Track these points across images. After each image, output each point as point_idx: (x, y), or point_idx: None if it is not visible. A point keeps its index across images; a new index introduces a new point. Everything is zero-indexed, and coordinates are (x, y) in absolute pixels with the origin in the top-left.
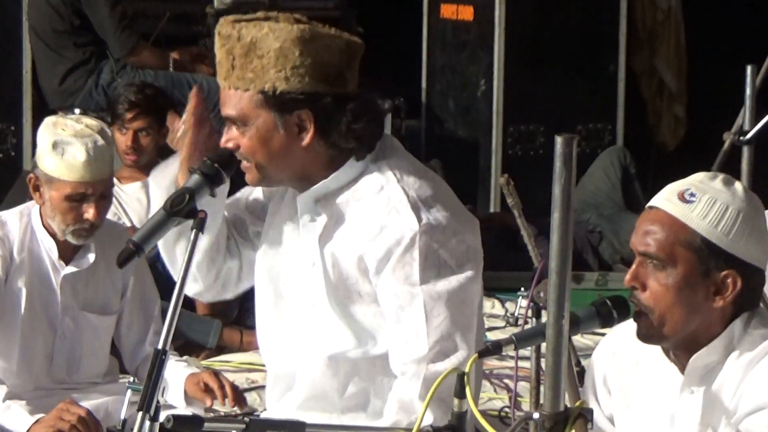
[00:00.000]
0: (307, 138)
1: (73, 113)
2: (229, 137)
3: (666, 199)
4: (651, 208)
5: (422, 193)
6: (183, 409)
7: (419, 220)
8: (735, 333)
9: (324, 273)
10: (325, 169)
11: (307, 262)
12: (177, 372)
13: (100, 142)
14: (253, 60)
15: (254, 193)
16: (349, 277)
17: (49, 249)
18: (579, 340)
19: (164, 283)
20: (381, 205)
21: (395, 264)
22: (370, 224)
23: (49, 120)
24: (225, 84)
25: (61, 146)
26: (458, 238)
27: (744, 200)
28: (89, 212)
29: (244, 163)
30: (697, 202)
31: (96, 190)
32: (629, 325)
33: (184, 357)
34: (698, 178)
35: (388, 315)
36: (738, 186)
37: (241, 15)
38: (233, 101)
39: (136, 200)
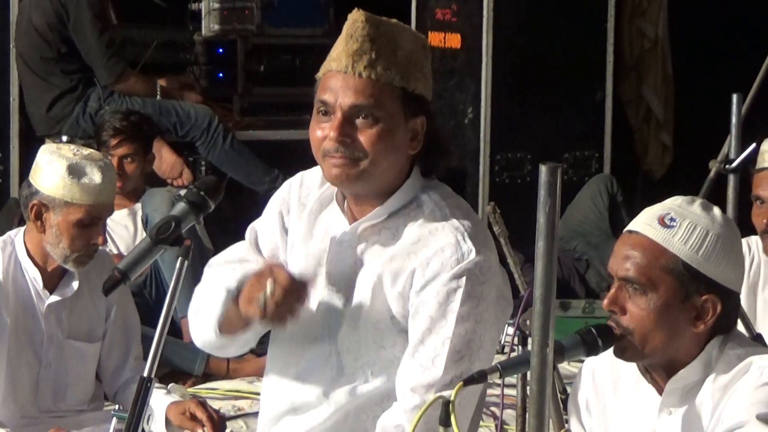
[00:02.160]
0: (418, 145)
1: (61, 140)
2: (340, 129)
3: (646, 223)
4: (630, 232)
5: (475, 229)
6: None
7: (477, 251)
8: (712, 354)
9: (354, 303)
10: (393, 185)
11: (337, 293)
12: (157, 400)
13: (110, 164)
14: (398, 55)
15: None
16: (386, 299)
17: (33, 278)
18: (566, 367)
19: (150, 310)
20: (437, 229)
21: (440, 286)
22: (425, 245)
23: (50, 147)
24: (363, 72)
25: (78, 169)
26: (496, 285)
27: (723, 225)
28: (98, 237)
29: (341, 160)
30: (677, 227)
31: (105, 213)
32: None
33: (170, 385)
34: (677, 202)
35: (414, 332)
36: (716, 211)
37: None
38: (368, 90)
39: (123, 227)
